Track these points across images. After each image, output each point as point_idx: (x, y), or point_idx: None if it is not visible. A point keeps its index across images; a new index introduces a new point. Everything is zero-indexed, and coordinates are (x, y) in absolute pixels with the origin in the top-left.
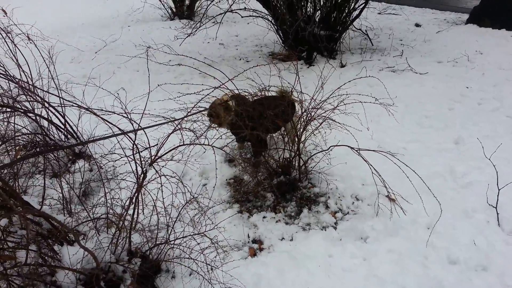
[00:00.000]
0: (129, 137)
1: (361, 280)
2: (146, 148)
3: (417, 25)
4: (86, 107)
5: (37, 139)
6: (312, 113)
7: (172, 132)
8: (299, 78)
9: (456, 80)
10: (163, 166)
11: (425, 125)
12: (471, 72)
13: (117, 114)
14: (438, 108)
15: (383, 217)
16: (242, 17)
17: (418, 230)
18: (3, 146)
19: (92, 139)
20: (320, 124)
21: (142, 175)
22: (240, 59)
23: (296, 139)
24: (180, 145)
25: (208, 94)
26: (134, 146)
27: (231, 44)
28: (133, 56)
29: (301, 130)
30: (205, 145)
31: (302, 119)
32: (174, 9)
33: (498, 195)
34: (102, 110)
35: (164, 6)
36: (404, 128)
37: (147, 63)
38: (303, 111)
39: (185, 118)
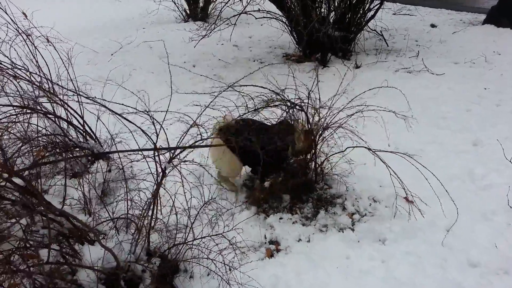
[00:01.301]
0: (149, 137)
1: (379, 282)
2: (166, 150)
3: (433, 25)
4: (112, 110)
5: (57, 140)
6: (328, 122)
7: (189, 129)
8: (318, 84)
9: (474, 81)
10: (184, 161)
11: (442, 126)
12: (488, 73)
13: (141, 111)
14: (455, 109)
15: (401, 219)
16: (256, 18)
17: (436, 233)
18: (24, 147)
19: (114, 143)
20: (334, 131)
21: (161, 174)
22: (254, 61)
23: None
24: (196, 142)
25: (221, 92)
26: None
27: (245, 46)
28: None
29: (318, 136)
30: (222, 145)
31: (319, 127)
32: (188, 11)
33: None
34: (126, 113)
35: (178, 8)
36: (420, 129)
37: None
38: (320, 118)
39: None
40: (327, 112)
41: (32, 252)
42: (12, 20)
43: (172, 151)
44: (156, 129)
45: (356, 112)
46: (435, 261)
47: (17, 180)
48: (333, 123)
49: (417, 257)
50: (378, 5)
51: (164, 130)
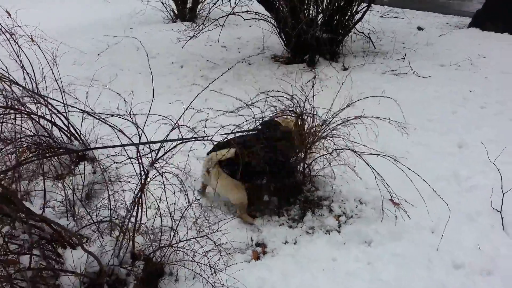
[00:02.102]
0: (131, 139)
1: (366, 284)
2: (151, 151)
3: (420, 28)
4: (98, 115)
5: (41, 141)
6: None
7: (171, 130)
8: (313, 94)
9: (459, 83)
10: (167, 162)
11: (429, 128)
12: (474, 75)
13: (124, 118)
14: (441, 111)
15: (387, 221)
16: (244, 19)
17: (422, 234)
18: (6, 148)
19: (98, 146)
20: (324, 138)
21: (144, 176)
22: (243, 62)
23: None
24: (179, 142)
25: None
26: (137, 148)
27: (234, 47)
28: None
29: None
30: (205, 140)
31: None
32: (176, 12)
33: (502, 199)
34: (111, 115)
35: (166, 8)
36: (407, 131)
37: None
38: (311, 126)
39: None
40: (326, 122)
41: (13, 258)
42: None
43: (155, 154)
44: (138, 131)
45: (352, 119)
46: (421, 262)
47: None
48: (328, 129)
49: (403, 258)
50: (366, 8)
51: (144, 133)
